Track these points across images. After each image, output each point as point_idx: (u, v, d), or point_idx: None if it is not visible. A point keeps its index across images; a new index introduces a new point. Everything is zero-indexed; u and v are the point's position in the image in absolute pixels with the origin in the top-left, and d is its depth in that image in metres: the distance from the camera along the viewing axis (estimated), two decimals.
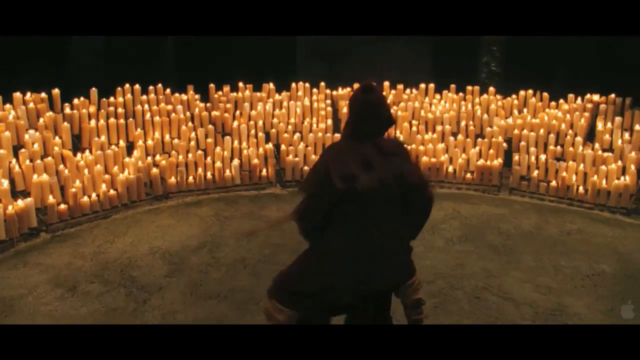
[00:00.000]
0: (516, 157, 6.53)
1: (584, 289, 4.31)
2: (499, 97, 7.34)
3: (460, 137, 6.79)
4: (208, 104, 6.94)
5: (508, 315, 3.97)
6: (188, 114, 6.72)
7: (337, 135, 6.72)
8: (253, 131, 6.71)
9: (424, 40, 8.53)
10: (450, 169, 6.55)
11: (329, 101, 7.39)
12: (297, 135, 6.75)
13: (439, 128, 6.92)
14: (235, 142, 6.52)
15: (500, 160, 6.49)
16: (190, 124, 6.58)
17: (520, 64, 8.03)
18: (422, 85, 7.51)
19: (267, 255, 4.76)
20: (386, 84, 7.50)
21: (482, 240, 5.13)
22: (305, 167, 6.43)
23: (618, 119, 6.50)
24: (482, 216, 5.70)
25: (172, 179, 5.96)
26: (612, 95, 6.79)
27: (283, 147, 6.57)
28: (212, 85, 7.02)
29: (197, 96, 6.94)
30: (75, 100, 6.28)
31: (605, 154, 6.18)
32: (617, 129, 6.43)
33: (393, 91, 7.51)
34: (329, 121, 7.06)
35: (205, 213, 5.59)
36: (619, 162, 6.05)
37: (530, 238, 5.23)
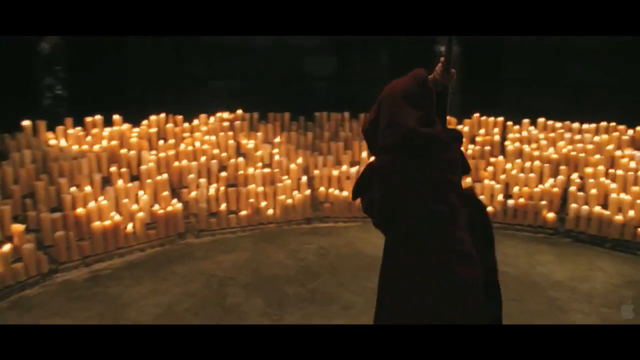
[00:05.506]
0: (193, 194, 5.53)
1: None
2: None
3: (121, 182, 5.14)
4: None
5: None
6: None
7: None
8: None
9: None
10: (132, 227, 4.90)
11: None
12: None
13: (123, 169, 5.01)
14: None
15: (179, 204, 5.35)
16: None
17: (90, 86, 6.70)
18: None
19: None
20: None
21: None
22: None
23: (259, 134, 6.44)
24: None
25: None
26: (240, 111, 6.64)
27: None
28: None
29: None
30: None
31: (266, 170, 6.03)
32: (263, 143, 6.36)
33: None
34: None
35: None
36: (286, 177, 6.05)
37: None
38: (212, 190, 5.63)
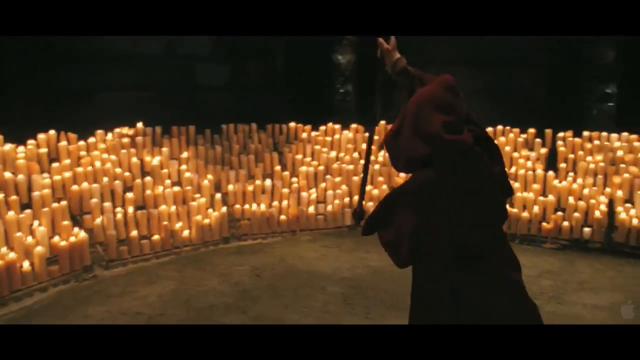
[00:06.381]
0: (98, 220, 4.92)
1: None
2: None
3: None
4: None
5: None
6: None
7: None
8: None
9: None
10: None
11: None
12: None
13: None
14: None
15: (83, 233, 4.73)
16: None
17: None
18: None
19: None
20: None
21: None
22: None
23: (165, 150, 5.93)
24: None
25: None
26: (140, 125, 6.05)
27: None
28: None
29: None
30: None
31: (176, 189, 5.57)
32: (169, 159, 5.87)
33: None
34: None
35: None
36: (198, 195, 5.64)
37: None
38: (119, 214, 5.06)
